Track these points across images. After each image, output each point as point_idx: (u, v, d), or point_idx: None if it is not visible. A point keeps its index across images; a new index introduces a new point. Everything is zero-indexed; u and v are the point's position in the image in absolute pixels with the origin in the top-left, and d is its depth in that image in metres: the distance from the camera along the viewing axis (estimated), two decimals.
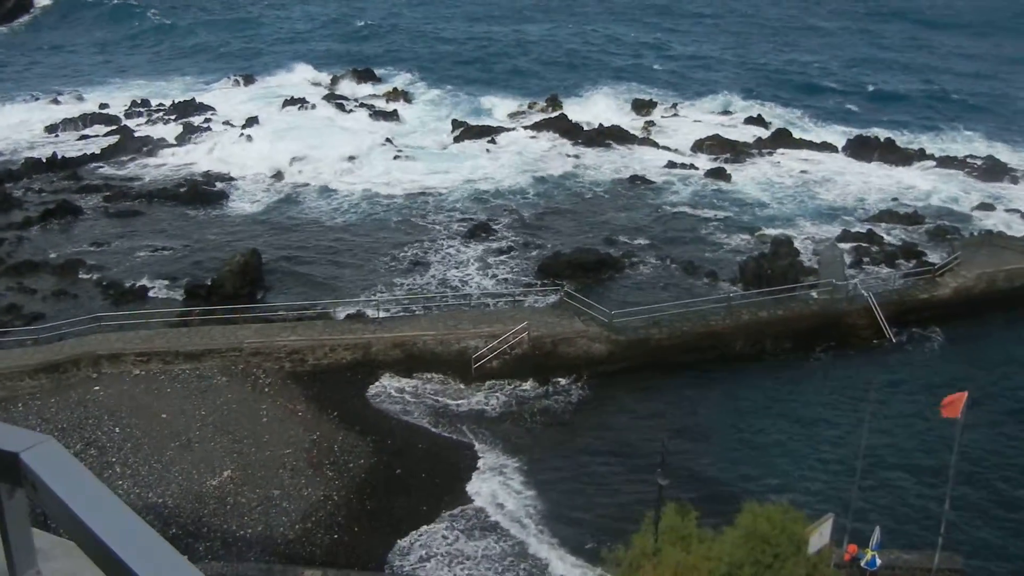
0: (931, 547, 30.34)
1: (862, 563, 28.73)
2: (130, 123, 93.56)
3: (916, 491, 41.37)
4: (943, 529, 29.93)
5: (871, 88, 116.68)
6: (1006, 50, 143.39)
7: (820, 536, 27.95)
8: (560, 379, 49.00)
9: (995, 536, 38.88)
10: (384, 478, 40.34)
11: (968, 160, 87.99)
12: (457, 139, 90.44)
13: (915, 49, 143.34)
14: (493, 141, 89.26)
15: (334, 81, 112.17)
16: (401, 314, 53.65)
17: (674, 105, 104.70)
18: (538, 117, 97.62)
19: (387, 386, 47.70)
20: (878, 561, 28.49)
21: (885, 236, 69.96)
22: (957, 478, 33.18)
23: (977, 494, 41.36)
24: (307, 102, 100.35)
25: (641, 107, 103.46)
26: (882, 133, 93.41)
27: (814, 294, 58.07)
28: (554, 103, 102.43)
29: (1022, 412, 49.26)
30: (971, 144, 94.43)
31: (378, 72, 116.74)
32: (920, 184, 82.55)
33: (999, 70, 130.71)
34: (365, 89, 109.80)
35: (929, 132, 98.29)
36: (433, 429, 44.48)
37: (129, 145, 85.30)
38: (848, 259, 64.96)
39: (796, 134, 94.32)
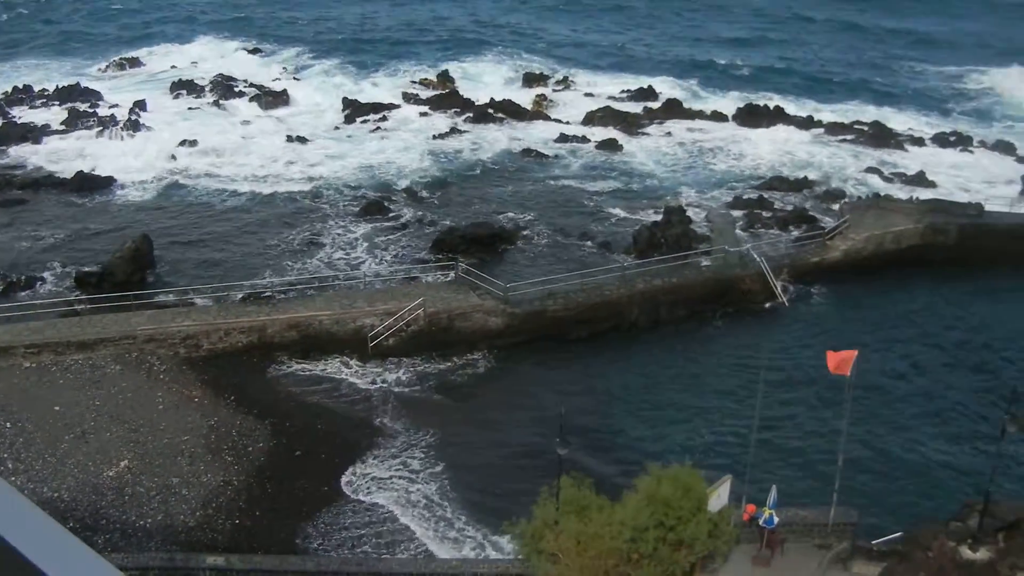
0: (827, 503, 31.25)
1: (760, 521, 29.47)
2: (11, 110, 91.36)
3: (811, 449, 42.35)
4: (837, 485, 30.84)
5: (760, 59, 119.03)
6: (888, 22, 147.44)
7: (719, 497, 28.69)
8: (457, 354, 49.10)
9: (886, 490, 40.18)
10: (284, 460, 40.10)
11: (855, 126, 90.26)
12: (348, 118, 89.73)
13: (801, 20, 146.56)
14: (385, 119, 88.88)
15: (222, 61, 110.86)
16: (296, 295, 53.41)
17: (565, 78, 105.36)
18: (429, 93, 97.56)
19: (284, 368, 47.40)
20: (776, 519, 29.27)
21: (776, 201, 71.40)
22: (850, 435, 34.27)
23: (869, 450, 42.55)
24: (196, 85, 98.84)
25: (532, 81, 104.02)
26: (771, 101, 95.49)
27: (707, 261, 59.13)
28: (444, 80, 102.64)
29: (910, 370, 50.91)
30: (858, 111, 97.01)
31: (266, 49, 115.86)
32: (809, 150, 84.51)
33: (884, 40, 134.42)
34: (253, 68, 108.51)
35: (817, 99, 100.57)
36: (332, 409, 44.30)
37: (11, 132, 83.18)
38: (740, 225, 66.62)
39: (687, 104, 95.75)
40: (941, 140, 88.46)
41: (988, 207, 68.40)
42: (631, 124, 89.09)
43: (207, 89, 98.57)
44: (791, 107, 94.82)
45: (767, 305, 57.01)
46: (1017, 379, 45.65)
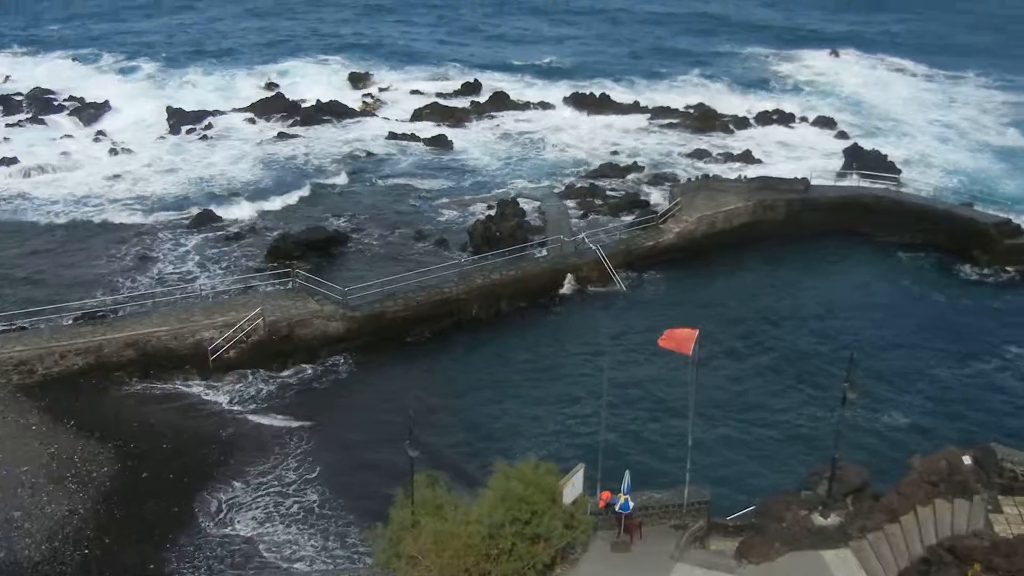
0: (680, 484, 31.95)
1: (616, 507, 29.83)
2: None
3: (660, 431, 43.20)
4: (689, 465, 31.51)
5: (585, 49, 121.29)
6: (712, 7, 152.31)
7: (573, 487, 29.00)
8: (301, 362, 48.52)
9: (737, 465, 41.34)
10: (132, 484, 38.81)
11: (682, 111, 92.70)
12: (173, 128, 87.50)
13: (621, 10, 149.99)
14: (210, 127, 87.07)
15: (38, 72, 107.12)
16: (131, 313, 51.75)
17: (393, 74, 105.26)
18: (255, 97, 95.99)
19: (125, 388, 45.96)
20: (631, 504, 29.74)
21: (608, 188, 72.68)
22: (697, 414, 35.10)
23: (717, 428, 43.58)
24: (11, 100, 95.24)
25: (358, 80, 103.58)
26: (598, 89, 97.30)
27: (544, 251, 59.78)
28: (269, 83, 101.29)
29: (751, 346, 52.34)
30: (684, 95, 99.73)
31: (83, 55, 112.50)
32: (637, 136, 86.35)
33: (708, 24, 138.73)
34: (72, 80, 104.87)
35: (643, 85, 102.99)
36: (177, 427, 43.13)
37: None
38: (573, 214, 67.62)
39: (515, 96, 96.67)
40: (764, 119, 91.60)
41: (813, 181, 71.43)
42: (459, 119, 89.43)
43: (24, 104, 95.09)
44: (618, 94, 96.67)
45: (606, 291, 57.93)
46: (853, 346, 47.74)
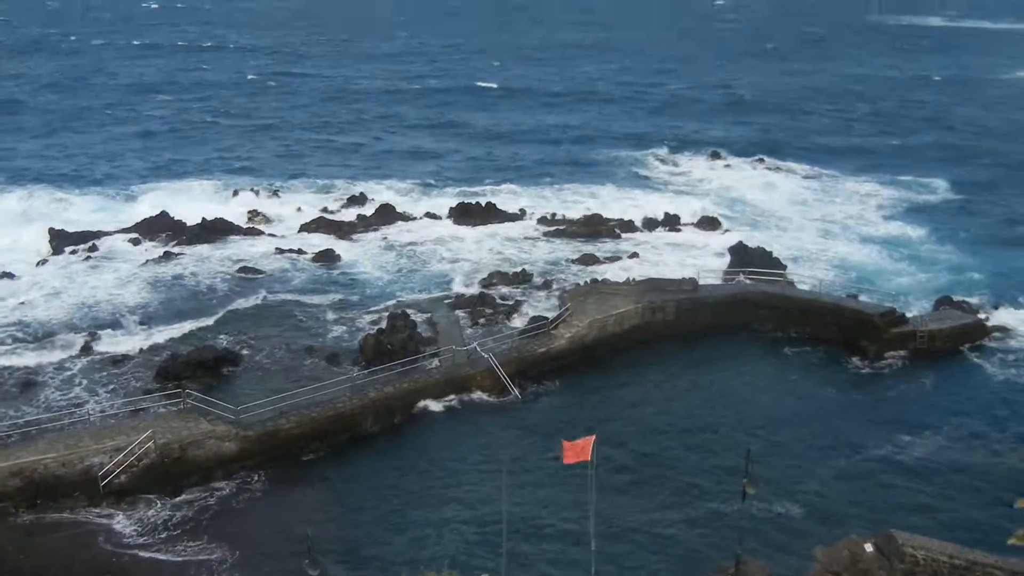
0: None
1: None
2: None
3: (563, 537, 44.25)
4: (594, 570, 32.93)
5: (470, 160, 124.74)
6: (595, 115, 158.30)
7: None
8: (194, 485, 48.59)
9: (642, 567, 42.69)
10: None
11: (569, 217, 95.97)
12: (55, 249, 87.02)
13: (504, 120, 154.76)
14: (95, 248, 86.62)
15: None
16: (15, 440, 51.03)
17: (276, 192, 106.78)
18: (139, 216, 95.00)
19: (10, 520, 45.24)
20: None
21: (497, 297, 74.63)
22: (599, 519, 36.63)
23: (620, 531, 44.79)
24: None
25: (242, 197, 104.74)
26: (483, 198, 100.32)
27: (437, 361, 61.17)
28: (153, 203, 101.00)
29: (650, 448, 54.02)
30: (570, 201, 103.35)
31: None
32: (525, 243, 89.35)
33: (592, 132, 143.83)
34: None
35: (529, 193, 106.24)
36: (66, 560, 42.49)
37: None
38: (464, 323, 69.39)
39: (400, 208, 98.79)
40: (651, 222, 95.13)
41: (701, 281, 74.67)
42: (346, 232, 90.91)
43: None
44: (504, 203, 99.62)
45: (500, 400, 59.36)
46: (748, 442, 50.33)
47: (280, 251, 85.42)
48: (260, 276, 79.76)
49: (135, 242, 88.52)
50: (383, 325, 66.49)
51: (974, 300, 76.98)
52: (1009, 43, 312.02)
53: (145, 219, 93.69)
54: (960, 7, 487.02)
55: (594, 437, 35.60)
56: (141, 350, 65.56)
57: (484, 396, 59.93)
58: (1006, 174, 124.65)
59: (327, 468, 51.89)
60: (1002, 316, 74.53)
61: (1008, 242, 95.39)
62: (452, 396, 59.25)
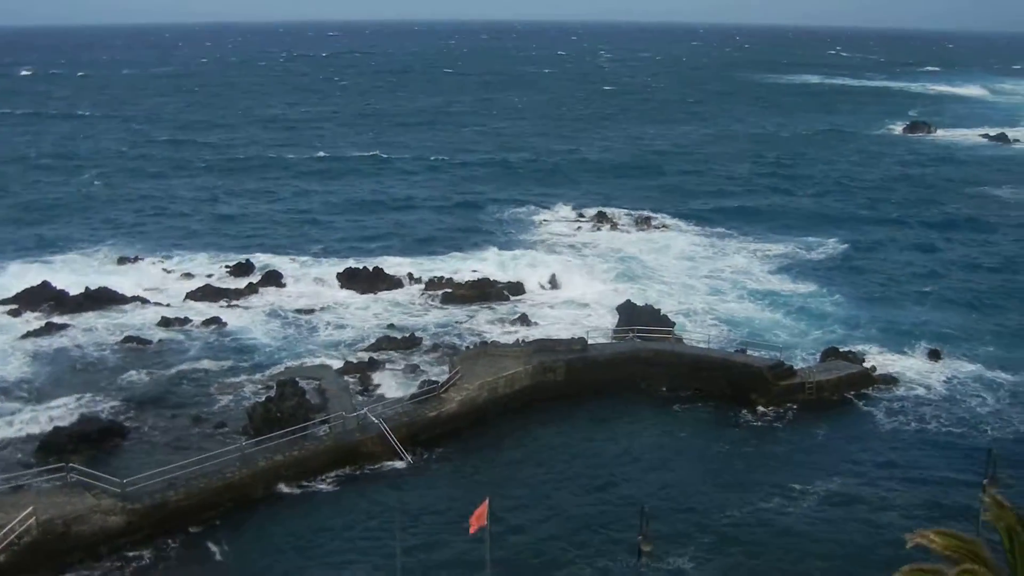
0: None
1: None
2: None
3: None
4: None
5: (356, 226, 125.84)
6: (474, 180, 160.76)
7: None
8: (78, 562, 48.02)
9: None
10: None
11: (456, 280, 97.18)
12: None
13: (391, 187, 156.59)
14: None
15: None
16: None
17: (163, 259, 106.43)
18: (19, 287, 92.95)
19: None
20: None
21: (387, 362, 75.54)
22: None
23: None
24: None
25: (127, 266, 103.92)
26: (370, 263, 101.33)
27: (326, 428, 61.26)
28: (34, 273, 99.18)
29: (544, 510, 55.06)
30: (458, 265, 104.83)
31: None
32: (413, 307, 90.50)
33: (474, 197, 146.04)
34: None
35: (416, 259, 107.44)
36: None
37: None
38: (354, 389, 69.82)
39: (287, 274, 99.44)
40: (539, 283, 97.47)
41: (591, 340, 76.44)
42: (233, 300, 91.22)
43: None
44: (391, 268, 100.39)
45: (392, 466, 60.03)
46: (643, 498, 51.79)
47: (167, 320, 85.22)
48: (147, 346, 79.48)
49: (14, 313, 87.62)
50: (272, 393, 66.62)
51: (860, 350, 79.75)
52: (879, 99, 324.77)
53: (25, 290, 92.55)
54: (833, 66, 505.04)
55: (487, 501, 36.83)
56: (22, 424, 64.90)
57: (375, 462, 60.39)
58: (887, 228, 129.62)
59: (217, 539, 51.72)
60: (887, 365, 77.51)
61: (891, 294, 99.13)
62: (343, 463, 59.61)
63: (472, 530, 35.93)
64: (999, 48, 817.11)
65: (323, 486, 57.95)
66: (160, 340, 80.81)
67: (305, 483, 57.67)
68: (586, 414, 69.06)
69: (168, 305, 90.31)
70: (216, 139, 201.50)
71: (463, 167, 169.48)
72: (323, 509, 55.75)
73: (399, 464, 60.61)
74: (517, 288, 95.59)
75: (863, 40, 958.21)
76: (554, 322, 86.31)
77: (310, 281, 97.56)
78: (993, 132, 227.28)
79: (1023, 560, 31.49)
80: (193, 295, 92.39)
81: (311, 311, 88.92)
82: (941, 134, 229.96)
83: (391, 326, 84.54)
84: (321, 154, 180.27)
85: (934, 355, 79.96)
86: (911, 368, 77.46)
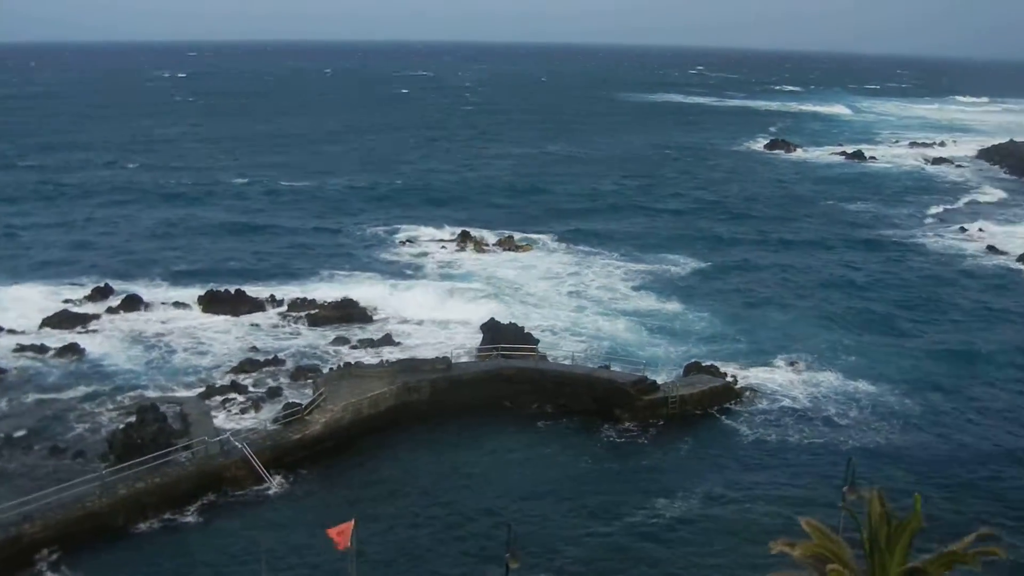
0: None
1: None
2: None
3: None
4: None
5: (216, 248, 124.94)
6: (330, 204, 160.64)
7: None
8: None
9: None
10: None
11: (319, 302, 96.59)
12: None
13: (258, 210, 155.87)
14: None
15: None
16: None
17: (17, 284, 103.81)
18: None
19: None
20: None
21: (250, 385, 75.46)
22: None
23: None
24: None
25: None
26: (232, 286, 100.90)
27: (189, 454, 61.01)
28: None
29: (411, 531, 55.70)
30: (320, 287, 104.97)
31: None
32: (275, 330, 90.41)
33: (338, 215, 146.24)
34: None
35: (278, 281, 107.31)
36: None
37: None
38: (216, 413, 69.50)
39: (147, 298, 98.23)
40: (404, 302, 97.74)
41: (455, 359, 77.54)
42: (91, 325, 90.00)
43: None
44: (253, 291, 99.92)
45: (256, 489, 60.05)
46: (509, 516, 52.96)
47: (21, 347, 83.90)
48: (2, 375, 78.33)
49: None
50: (132, 419, 65.97)
51: (722, 364, 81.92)
52: (741, 118, 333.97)
53: None
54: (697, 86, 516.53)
55: (353, 522, 37.49)
56: None
57: (239, 487, 60.33)
58: (747, 244, 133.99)
59: (76, 572, 51.22)
60: (750, 378, 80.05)
61: (752, 309, 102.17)
62: (206, 489, 59.35)
63: (338, 546, 36.46)
64: (860, 68, 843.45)
65: (187, 513, 57.66)
66: (15, 368, 79.44)
67: (168, 510, 57.25)
68: (452, 433, 69.95)
69: (23, 332, 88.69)
70: (75, 161, 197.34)
71: (326, 189, 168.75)
72: (186, 536, 55.52)
73: (264, 488, 60.65)
74: (381, 309, 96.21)
75: (727, 59, 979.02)
76: (418, 342, 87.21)
77: (170, 305, 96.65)
78: (851, 149, 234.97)
79: (880, 563, 33.41)
80: (49, 321, 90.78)
81: (172, 335, 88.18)
82: (801, 153, 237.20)
83: (254, 349, 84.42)
84: (182, 177, 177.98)
85: (795, 368, 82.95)
86: (773, 380, 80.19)
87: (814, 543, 33.80)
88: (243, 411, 70.90)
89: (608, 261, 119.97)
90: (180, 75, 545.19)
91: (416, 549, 54.02)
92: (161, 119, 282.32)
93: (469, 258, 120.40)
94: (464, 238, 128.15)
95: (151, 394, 74.05)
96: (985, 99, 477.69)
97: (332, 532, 38.02)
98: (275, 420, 67.41)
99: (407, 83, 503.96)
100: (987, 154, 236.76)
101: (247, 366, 79.44)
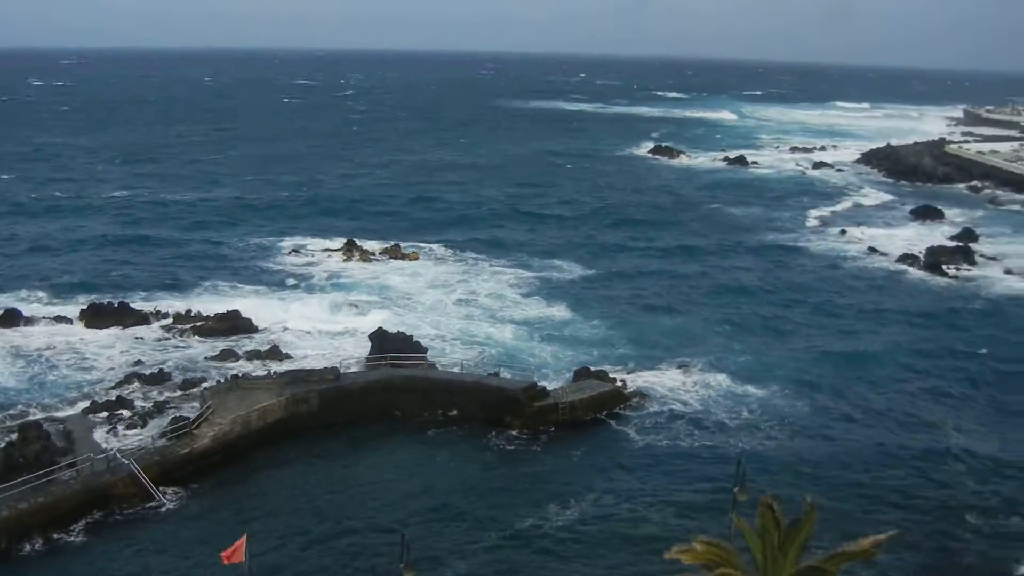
0: None
1: None
2: None
3: None
4: None
5: (99, 259, 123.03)
6: (213, 216, 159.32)
7: None
8: None
9: None
10: None
11: (205, 314, 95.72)
12: None
13: (143, 220, 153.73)
14: None
15: None
16: None
17: None
18: None
19: None
20: None
21: (136, 400, 74.49)
22: None
23: None
24: None
25: None
26: (115, 299, 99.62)
27: (74, 472, 59.97)
28: None
29: (298, 543, 55.72)
30: (207, 300, 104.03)
31: None
32: (161, 344, 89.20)
33: (212, 226, 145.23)
34: None
35: (163, 294, 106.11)
36: None
37: None
38: (102, 429, 68.58)
39: (27, 312, 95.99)
40: (290, 313, 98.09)
41: (344, 369, 77.69)
42: None
43: None
44: (138, 304, 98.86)
45: (147, 506, 59.48)
46: (401, 525, 53.25)
47: None
48: None
49: None
50: (13, 437, 64.82)
51: (611, 369, 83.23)
52: (625, 124, 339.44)
53: None
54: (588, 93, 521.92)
55: (244, 537, 37.69)
56: None
57: (128, 505, 59.60)
58: (632, 250, 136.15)
59: None
60: (639, 382, 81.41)
61: (640, 313, 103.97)
62: (93, 507, 58.57)
63: (228, 561, 36.69)
64: (744, 74, 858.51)
65: (74, 533, 56.81)
66: None
67: (54, 530, 56.32)
68: (342, 444, 70.13)
69: None
70: None
71: (210, 200, 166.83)
72: (75, 557, 54.77)
73: (153, 505, 60.08)
74: (267, 320, 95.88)
75: (612, 66, 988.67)
76: (306, 353, 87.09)
77: (51, 320, 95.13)
78: (734, 155, 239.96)
79: (772, 562, 34.56)
80: None
81: (53, 350, 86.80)
82: (685, 159, 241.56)
83: (139, 363, 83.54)
84: (60, 189, 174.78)
85: (684, 371, 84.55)
86: (663, 384, 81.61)
87: (706, 549, 34.78)
88: (129, 426, 70.02)
89: (496, 268, 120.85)
90: (56, 83, 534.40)
91: (308, 562, 54.06)
92: (38, 129, 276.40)
93: (356, 267, 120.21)
94: (350, 247, 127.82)
95: (33, 411, 72.89)
96: (866, 105, 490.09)
97: (225, 553, 38.17)
98: (162, 435, 66.77)
99: (296, 92, 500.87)
100: (866, 158, 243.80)
101: (132, 380, 78.70)
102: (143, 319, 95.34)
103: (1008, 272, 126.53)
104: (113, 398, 74.74)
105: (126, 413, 72.14)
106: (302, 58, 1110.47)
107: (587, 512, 60.03)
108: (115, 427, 69.80)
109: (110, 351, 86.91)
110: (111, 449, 63.66)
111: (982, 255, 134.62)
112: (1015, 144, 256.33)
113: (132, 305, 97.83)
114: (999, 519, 60.06)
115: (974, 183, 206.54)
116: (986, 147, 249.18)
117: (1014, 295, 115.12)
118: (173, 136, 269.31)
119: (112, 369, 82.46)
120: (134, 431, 69.27)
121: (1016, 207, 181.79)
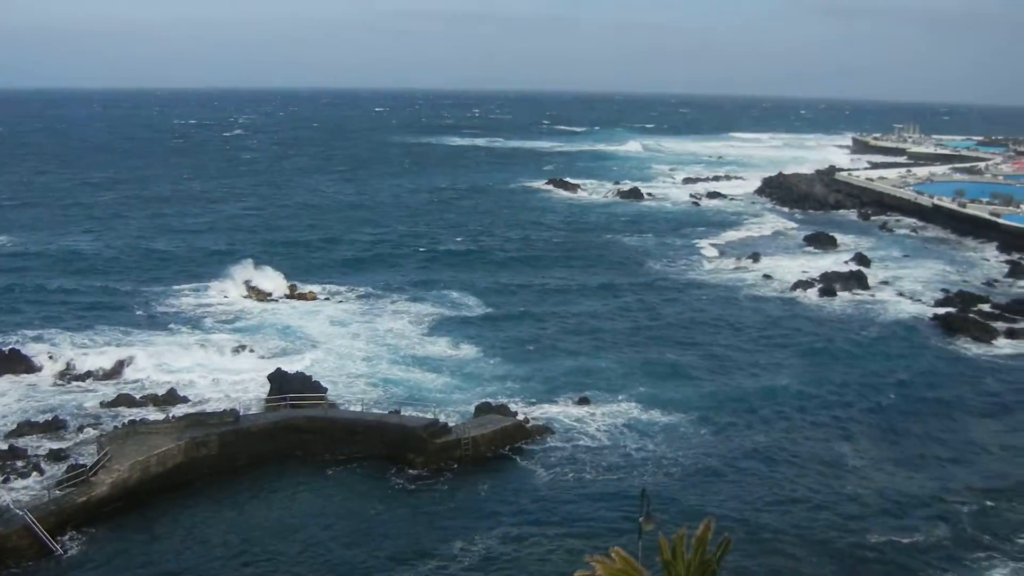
0: None
1: None
2: None
3: None
4: None
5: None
6: (98, 258, 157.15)
7: None
8: None
9: None
10: None
11: (99, 358, 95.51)
12: None
13: (41, 263, 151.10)
14: None
15: None
16: None
17: None
18: None
19: None
20: None
21: (29, 448, 73.58)
22: None
23: None
24: None
25: None
26: (5, 346, 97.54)
27: None
28: None
29: None
30: (102, 343, 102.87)
31: None
32: (53, 390, 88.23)
33: (97, 270, 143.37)
34: None
35: (57, 338, 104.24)
36: None
37: None
38: None
39: None
40: (189, 355, 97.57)
41: (244, 411, 77.71)
42: None
43: None
44: (30, 350, 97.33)
45: (43, 560, 58.58)
46: (302, 569, 53.52)
47: None
48: None
49: None
50: None
51: (512, 403, 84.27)
52: (517, 159, 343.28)
53: None
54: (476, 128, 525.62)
55: None
56: None
57: (22, 559, 58.67)
58: (530, 288, 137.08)
59: None
60: (541, 416, 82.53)
61: (540, 348, 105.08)
62: None
63: None
64: (640, 106, 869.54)
65: None
66: None
67: None
68: (242, 487, 70.01)
69: None
70: None
71: (99, 246, 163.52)
72: None
73: (51, 556, 59.30)
74: (163, 363, 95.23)
75: (506, 101, 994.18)
76: (204, 396, 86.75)
77: None
78: (628, 187, 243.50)
79: None
80: None
81: None
82: (580, 192, 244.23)
83: (31, 410, 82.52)
84: None
85: (587, 405, 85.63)
86: (568, 416, 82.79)
87: (617, 566, 35.70)
88: (23, 476, 69.12)
89: (395, 307, 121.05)
90: None
91: None
92: None
93: (253, 308, 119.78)
94: (247, 288, 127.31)
95: None
96: (761, 135, 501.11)
97: None
98: (58, 483, 65.96)
99: (183, 131, 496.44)
100: (760, 188, 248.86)
101: (26, 428, 77.69)
102: (35, 367, 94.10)
103: (900, 295, 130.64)
104: (6, 447, 73.64)
105: (19, 463, 71.07)
106: (183, 97, 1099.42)
107: (494, 549, 60.39)
108: (8, 477, 68.75)
109: (2, 399, 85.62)
110: (3, 501, 62.95)
111: (875, 279, 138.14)
112: (902, 170, 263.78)
113: (23, 351, 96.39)
114: (898, 549, 61.33)
115: (865, 209, 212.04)
116: (875, 174, 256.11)
117: (906, 317, 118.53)
118: (46, 178, 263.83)
119: (4, 418, 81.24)
120: (28, 480, 68.44)
121: (904, 231, 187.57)
